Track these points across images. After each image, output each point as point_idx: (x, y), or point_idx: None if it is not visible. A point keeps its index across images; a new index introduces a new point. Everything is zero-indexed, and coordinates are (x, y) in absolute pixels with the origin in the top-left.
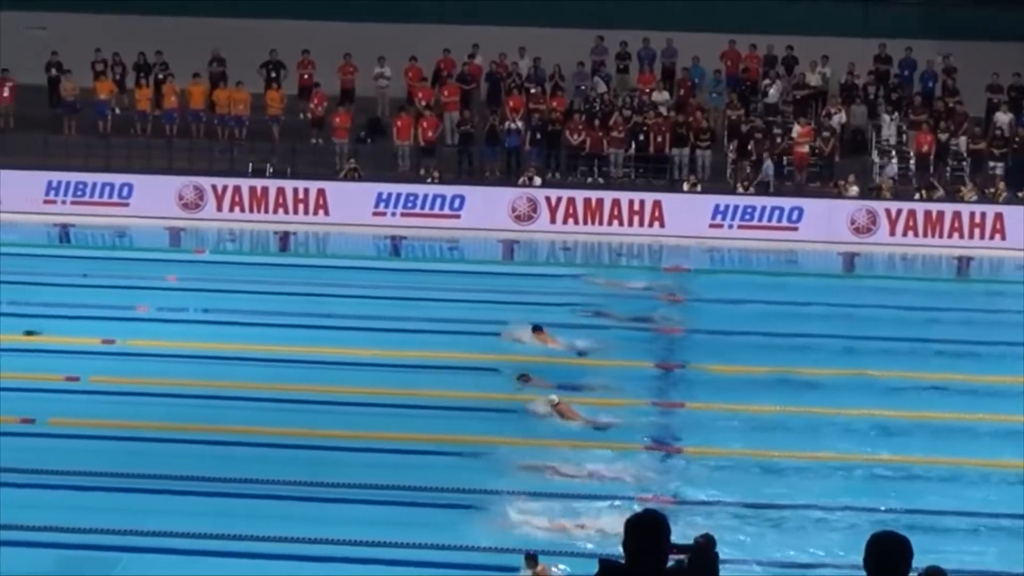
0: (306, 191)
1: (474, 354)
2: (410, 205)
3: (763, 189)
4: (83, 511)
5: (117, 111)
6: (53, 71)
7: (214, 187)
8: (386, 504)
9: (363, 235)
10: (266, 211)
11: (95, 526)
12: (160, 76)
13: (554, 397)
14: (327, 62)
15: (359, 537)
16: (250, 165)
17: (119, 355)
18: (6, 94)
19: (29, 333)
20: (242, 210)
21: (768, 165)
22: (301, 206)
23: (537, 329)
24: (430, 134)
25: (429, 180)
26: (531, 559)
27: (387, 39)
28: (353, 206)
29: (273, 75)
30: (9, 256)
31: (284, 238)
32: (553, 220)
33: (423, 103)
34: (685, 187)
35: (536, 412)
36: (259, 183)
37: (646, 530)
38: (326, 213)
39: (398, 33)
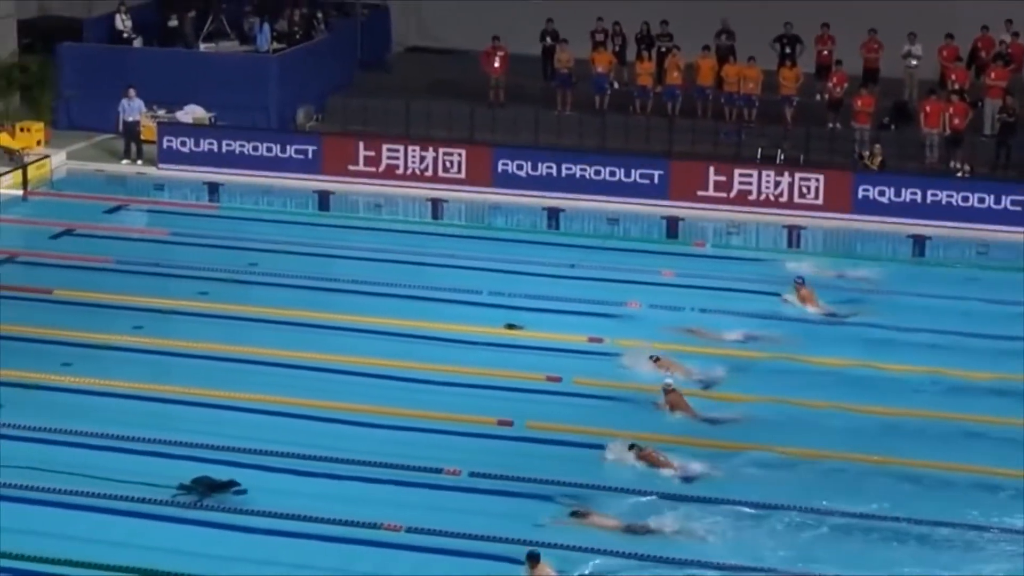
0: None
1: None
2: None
3: None
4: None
5: (615, 86)
6: (548, 40)
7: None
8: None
9: (890, 233)
10: (773, 205)
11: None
12: (663, 49)
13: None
14: (849, 38)
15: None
16: (759, 150)
17: (606, 355)
18: (497, 64)
19: (510, 326)
20: (750, 201)
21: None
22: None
23: None
24: (956, 121)
25: (959, 175)
26: (533, 558)
27: (919, 13)
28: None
29: (787, 51)
30: (496, 241)
31: (794, 234)
32: None
33: (956, 86)
34: None
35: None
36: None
37: None
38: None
39: (932, 7)
